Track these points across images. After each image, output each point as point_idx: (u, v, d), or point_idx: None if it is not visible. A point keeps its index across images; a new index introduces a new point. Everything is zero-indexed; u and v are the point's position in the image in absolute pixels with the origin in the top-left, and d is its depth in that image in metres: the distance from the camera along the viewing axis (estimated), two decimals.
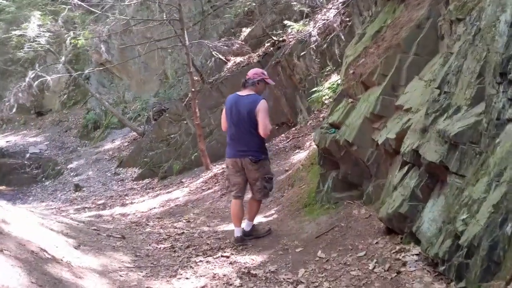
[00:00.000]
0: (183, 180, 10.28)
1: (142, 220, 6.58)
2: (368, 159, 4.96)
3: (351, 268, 3.99)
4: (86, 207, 9.05)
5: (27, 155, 17.26)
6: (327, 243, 4.61)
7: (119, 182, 12.49)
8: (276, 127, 9.86)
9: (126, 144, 15.35)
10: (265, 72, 5.08)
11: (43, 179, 15.06)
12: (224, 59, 12.20)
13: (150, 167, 12.41)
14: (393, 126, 4.64)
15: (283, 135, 9.67)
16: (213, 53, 11.77)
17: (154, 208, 7.58)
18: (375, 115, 4.87)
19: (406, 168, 4.34)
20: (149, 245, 5.12)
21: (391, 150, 4.66)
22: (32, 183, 14.91)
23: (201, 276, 4.22)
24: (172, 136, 12.80)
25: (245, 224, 5.16)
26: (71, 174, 14.57)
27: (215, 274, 4.23)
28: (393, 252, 4.04)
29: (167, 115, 13.47)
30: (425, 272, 3.63)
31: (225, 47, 10.98)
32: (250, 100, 4.81)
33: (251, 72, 5.04)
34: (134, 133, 15.23)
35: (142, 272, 4.19)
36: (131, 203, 8.70)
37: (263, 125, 4.72)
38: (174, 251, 4.91)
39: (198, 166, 10.85)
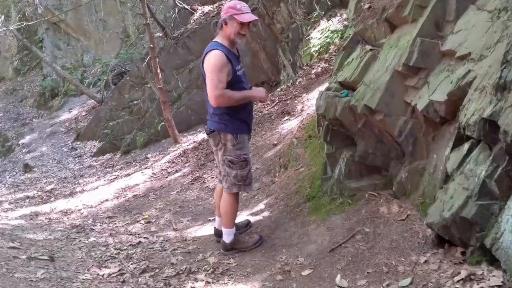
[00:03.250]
0: (148, 156, 8.64)
1: (88, 222, 4.92)
2: (400, 132, 3.39)
3: None
4: (28, 197, 7.34)
5: None
6: (348, 262, 3.10)
7: (76, 159, 10.82)
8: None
9: (84, 113, 13.56)
10: (240, 4, 3.35)
11: None
12: (189, 9, 10.36)
13: (111, 140, 10.75)
14: (440, 83, 3.13)
15: None
16: (176, 2, 9.90)
17: (107, 200, 5.92)
18: (410, 68, 3.29)
19: (466, 146, 2.88)
20: (87, 270, 3.52)
21: (438, 118, 3.14)
22: None
23: None
24: (134, 102, 11.10)
25: (224, 234, 3.61)
26: (23, 150, 12.84)
27: None
28: (458, 281, 2.57)
29: (127, 78, 11.63)
30: None
31: None
32: (206, 50, 3.37)
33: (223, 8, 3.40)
34: (93, 100, 13.41)
35: None
36: (82, 191, 7.01)
37: (209, 88, 3.30)
38: (123, 281, 3.33)
39: (166, 137, 9.26)
